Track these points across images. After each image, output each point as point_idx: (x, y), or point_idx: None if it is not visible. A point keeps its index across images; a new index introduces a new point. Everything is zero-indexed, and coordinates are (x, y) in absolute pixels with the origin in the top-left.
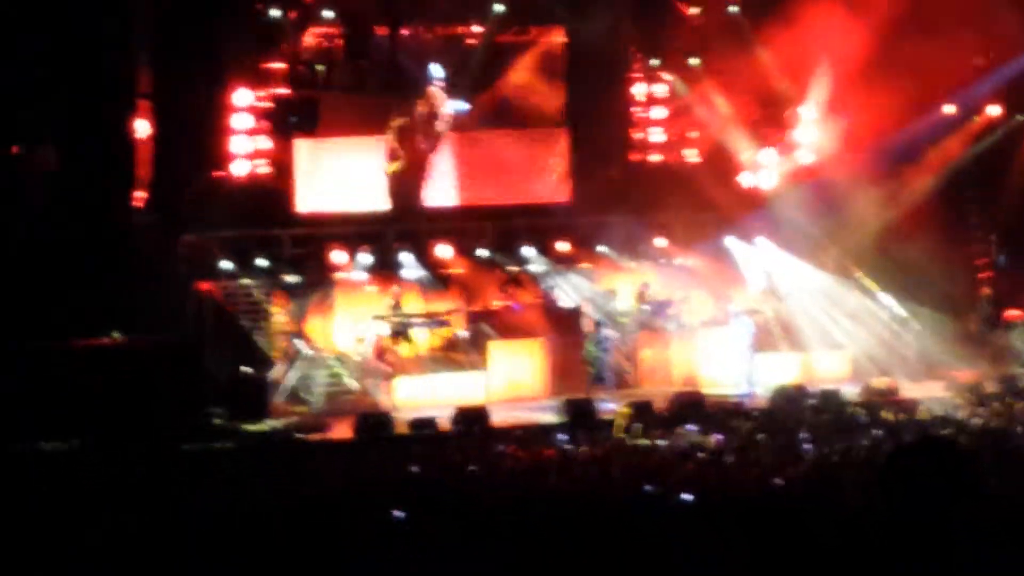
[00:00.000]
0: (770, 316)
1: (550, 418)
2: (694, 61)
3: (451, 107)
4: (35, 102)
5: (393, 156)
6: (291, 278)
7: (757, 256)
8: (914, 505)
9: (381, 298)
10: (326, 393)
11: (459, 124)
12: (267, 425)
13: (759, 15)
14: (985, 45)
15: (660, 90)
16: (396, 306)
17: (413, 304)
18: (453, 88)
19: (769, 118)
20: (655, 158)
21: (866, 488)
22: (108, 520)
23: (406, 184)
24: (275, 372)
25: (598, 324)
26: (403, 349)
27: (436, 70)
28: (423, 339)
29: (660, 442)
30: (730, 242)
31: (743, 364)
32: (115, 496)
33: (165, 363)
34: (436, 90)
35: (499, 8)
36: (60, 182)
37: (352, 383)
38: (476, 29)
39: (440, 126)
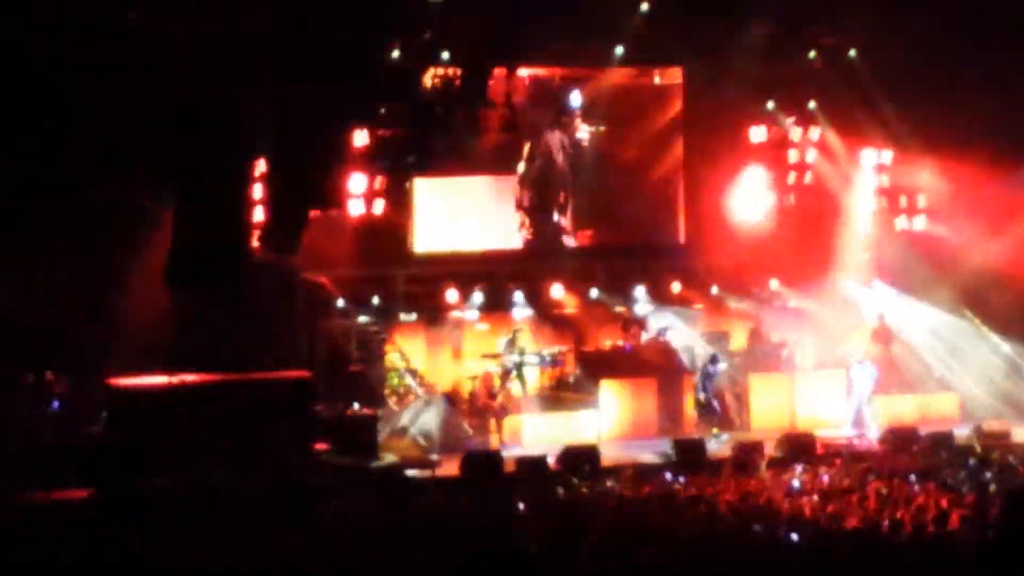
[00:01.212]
0: (881, 357)
1: (659, 457)
2: (812, 105)
3: (585, 130)
4: (154, 141)
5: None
6: (405, 316)
7: (871, 298)
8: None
9: (494, 337)
10: (437, 431)
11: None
12: (377, 462)
13: (878, 61)
14: None
15: (776, 133)
16: (510, 345)
17: (526, 343)
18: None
19: (881, 163)
20: (773, 201)
21: (977, 530)
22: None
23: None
24: (387, 410)
25: (713, 358)
26: (514, 388)
27: (575, 98)
28: (534, 378)
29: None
30: (844, 284)
31: (861, 408)
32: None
33: (279, 400)
34: (574, 117)
35: (620, 50)
36: (180, 223)
37: (463, 422)
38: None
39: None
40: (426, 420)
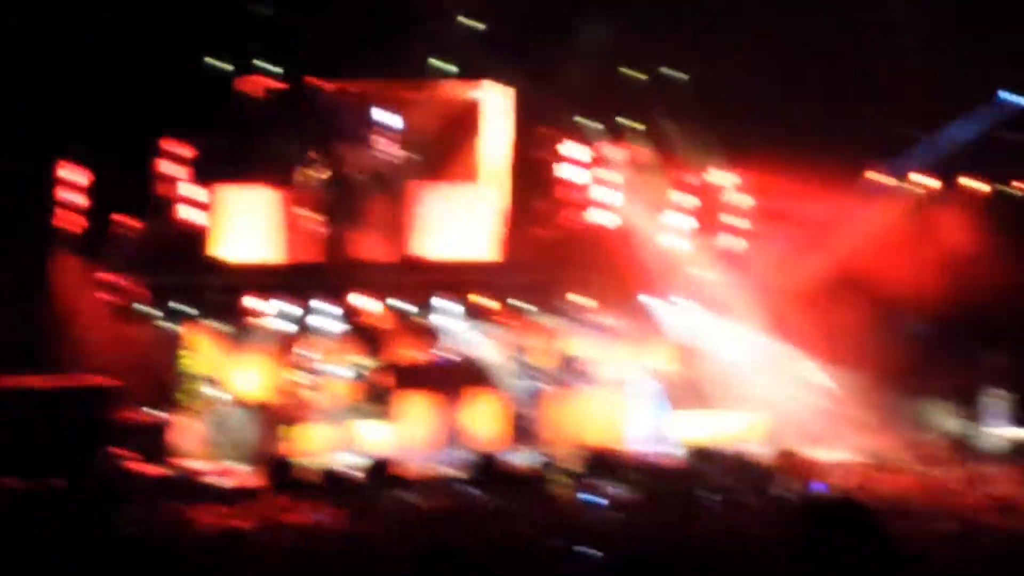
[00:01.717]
0: (686, 375)
1: (458, 470)
2: (629, 123)
3: (395, 156)
4: None
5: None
6: (207, 323)
7: (676, 315)
8: (825, 566)
9: (295, 346)
10: (235, 439)
11: (385, 177)
12: (171, 469)
13: (696, 83)
14: (914, 114)
15: (593, 152)
16: (309, 354)
17: (327, 353)
18: (391, 139)
19: (694, 183)
20: (585, 218)
21: (775, 548)
22: None
23: (339, 233)
24: (188, 418)
25: (524, 371)
26: (318, 398)
27: (387, 118)
28: (335, 388)
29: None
30: (649, 301)
31: (651, 422)
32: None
33: (71, 405)
34: (385, 138)
35: (443, 65)
36: None
37: (261, 430)
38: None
39: (386, 173)
40: (227, 427)
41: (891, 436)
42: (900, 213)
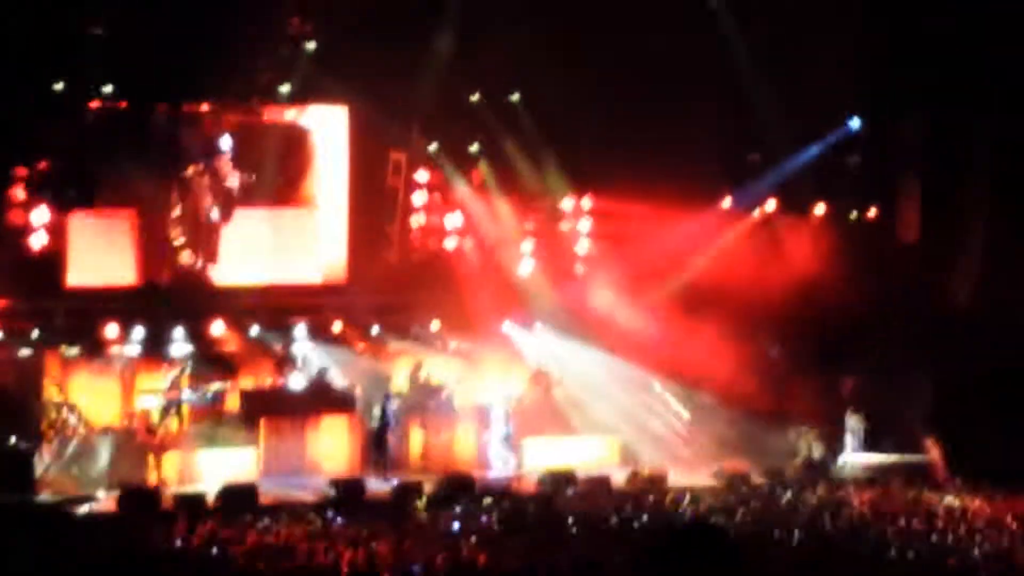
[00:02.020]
0: (542, 400)
1: (317, 496)
2: (473, 148)
3: (235, 179)
4: None
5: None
6: (64, 350)
7: (533, 341)
8: None
9: (154, 373)
10: (94, 467)
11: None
12: (34, 497)
13: (539, 106)
14: (761, 141)
15: (437, 176)
16: (175, 381)
17: (185, 380)
18: (237, 161)
19: (541, 208)
20: (433, 242)
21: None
22: None
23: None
24: (44, 445)
25: (386, 397)
26: (172, 424)
27: (225, 142)
28: (193, 415)
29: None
30: (507, 327)
31: (507, 447)
32: None
33: None
34: (224, 161)
35: (285, 88)
36: None
37: (119, 457)
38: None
39: (227, 197)
40: (84, 456)
41: (749, 460)
42: (748, 237)
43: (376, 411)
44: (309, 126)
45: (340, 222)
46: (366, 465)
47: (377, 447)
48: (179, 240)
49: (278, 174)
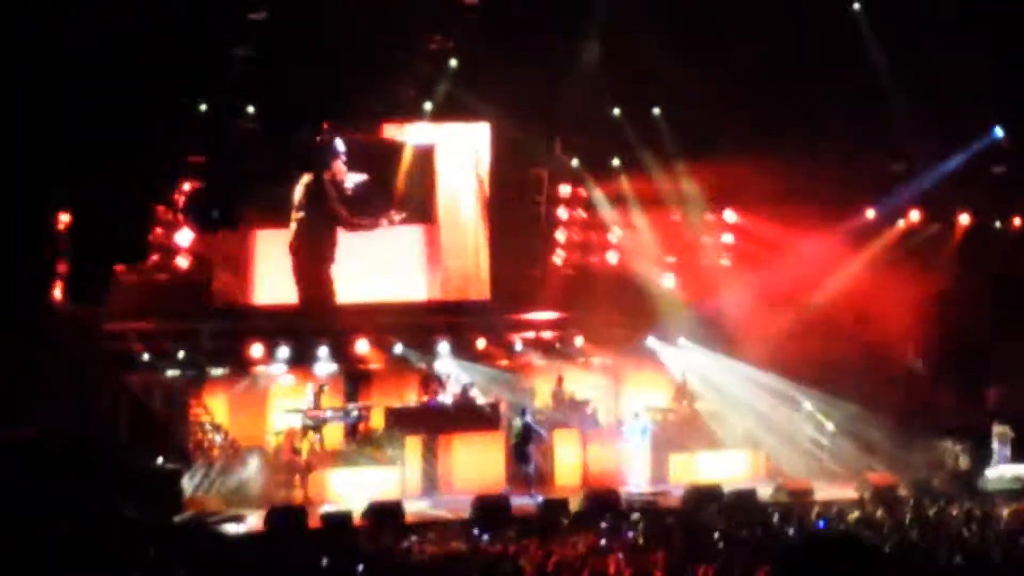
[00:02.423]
0: (685, 414)
1: (463, 514)
2: (615, 163)
3: (352, 180)
4: None
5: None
6: (210, 371)
7: (677, 356)
8: None
9: (299, 392)
10: (241, 486)
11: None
12: (182, 517)
13: (679, 120)
14: (904, 152)
15: (579, 191)
16: (316, 400)
17: (331, 399)
18: (353, 164)
19: (682, 223)
20: (576, 258)
21: None
22: None
23: (315, 272)
24: (191, 465)
25: (522, 412)
26: (318, 443)
27: (339, 144)
28: (339, 434)
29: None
30: (651, 342)
31: (641, 463)
32: None
33: (80, 454)
34: (339, 163)
35: (428, 106)
36: None
37: (266, 477)
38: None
39: (343, 200)
40: (233, 475)
41: (895, 473)
42: (892, 248)
43: (515, 424)
44: (433, 142)
45: (461, 238)
46: (511, 481)
47: (518, 462)
48: (321, 258)
49: (404, 191)
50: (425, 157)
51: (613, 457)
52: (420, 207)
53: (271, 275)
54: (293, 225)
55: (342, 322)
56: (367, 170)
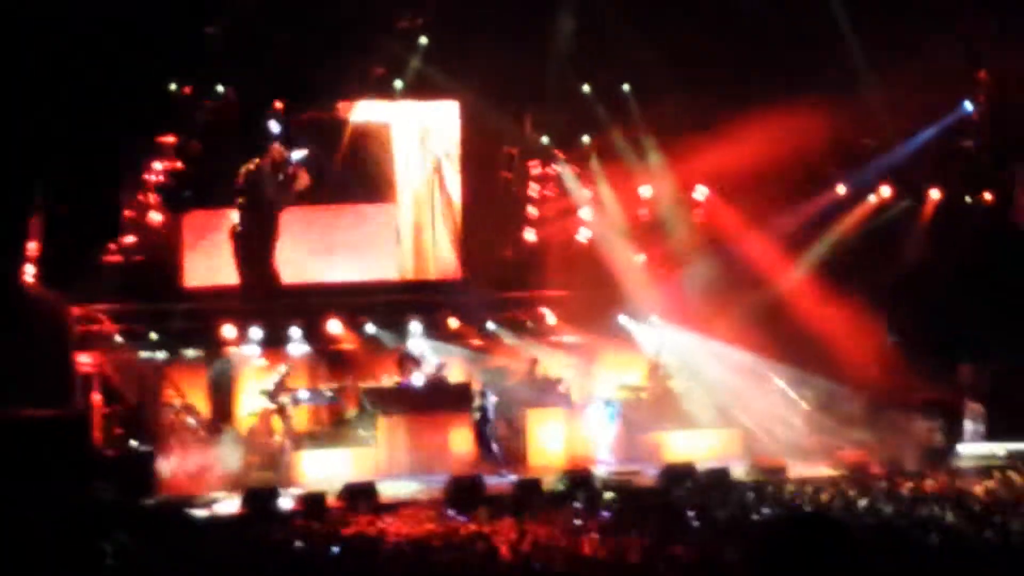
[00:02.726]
0: (659, 392)
1: (437, 494)
2: (585, 139)
3: (296, 155)
4: None
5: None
6: (182, 352)
7: (650, 334)
8: None
9: (271, 373)
10: (215, 468)
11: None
12: (155, 499)
13: (649, 95)
14: (875, 125)
15: (549, 169)
16: (280, 385)
17: (302, 379)
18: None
19: (651, 200)
20: (547, 236)
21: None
22: None
23: (256, 250)
24: (163, 447)
25: (482, 393)
26: (291, 424)
27: (273, 125)
28: (312, 415)
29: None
30: (623, 319)
31: (607, 441)
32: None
33: (52, 437)
34: (278, 144)
35: (399, 84)
36: None
37: (241, 458)
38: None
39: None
40: (207, 457)
41: (868, 450)
42: (863, 224)
43: (476, 404)
44: (388, 121)
45: (424, 217)
46: (486, 461)
47: (481, 443)
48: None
49: (359, 169)
50: (381, 135)
51: (588, 436)
52: (379, 186)
53: (204, 256)
54: (235, 211)
55: (313, 302)
56: (316, 149)
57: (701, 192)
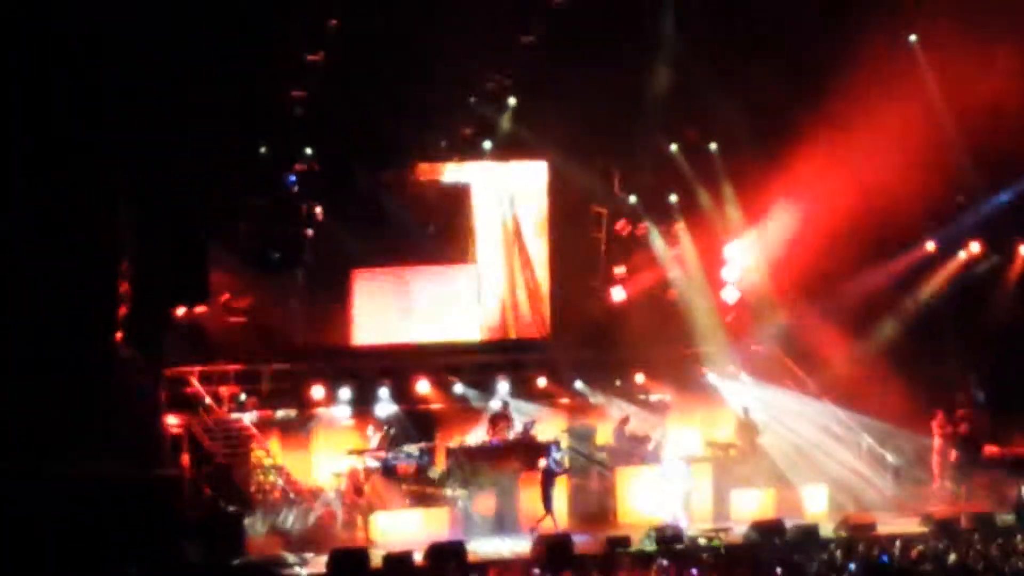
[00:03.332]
0: (747, 449)
1: (525, 553)
2: (673, 199)
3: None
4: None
5: None
6: (271, 413)
7: (736, 389)
8: None
9: (359, 432)
10: (304, 529)
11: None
12: (243, 560)
13: (737, 155)
14: (965, 182)
15: (638, 228)
16: (382, 442)
17: (389, 438)
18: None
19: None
20: (635, 295)
21: None
22: None
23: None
24: (253, 508)
25: (548, 449)
26: (380, 484)
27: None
28: (401, 474)
29: None
30: (711, 376)
31: (676, 500)
32: None
33: (142, 498)
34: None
35: (488, 145)
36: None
37: (329, 519)
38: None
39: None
40: (295, 518)
41: (960, 505)
42: (952, 281)
43: (579, 465)
44: (470, 181)
45: (538, 277)
46: (575, 520)
47: (583, 501)
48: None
49: (442, 231)
50: (460, 197)
51: (676, 493)
52: (460, 246)
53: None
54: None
55: (401, 363)
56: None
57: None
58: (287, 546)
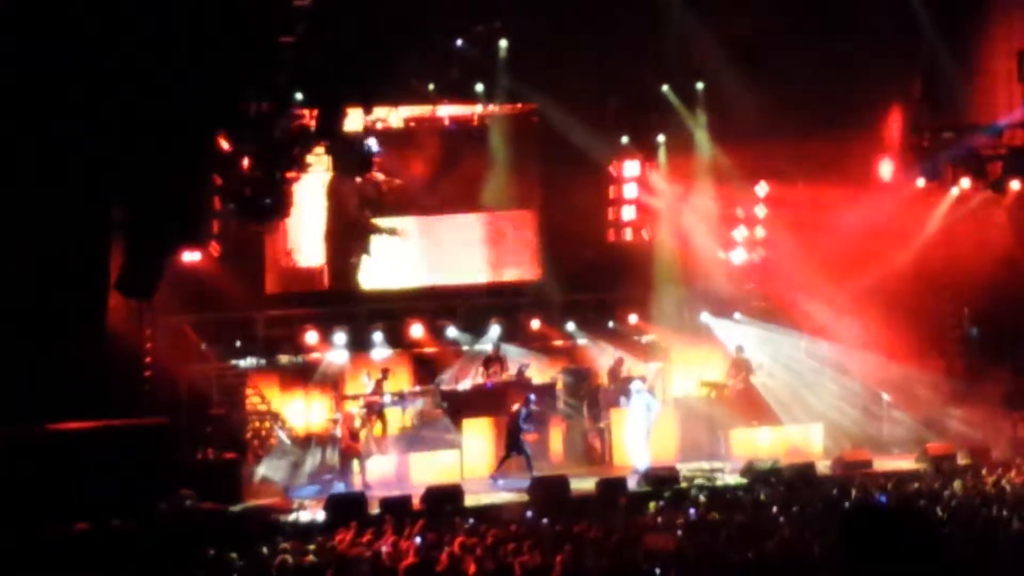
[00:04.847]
0: (741, 389)
1: (522, 496)
2: (661, 139)
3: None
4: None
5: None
6: (265, 360)
7: (732, 330)
8: (875, 569)
9: (353, 378)
10: (300, 474)
11: (423, 207)
12: (240, 507)
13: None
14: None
15: (632, 168)
16: (378, 386)
17: (387, 383)
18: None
19: (737, 194)
20: (627, 236)
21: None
22: None
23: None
24: (248, 455)
25: (527, 400)
26: (376, 429)
27: (373, 146)
28: (395, 418)
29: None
30: (705, 317)
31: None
32: None
33: (139, 446)
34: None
35: (480, 87)
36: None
37: (325, 464)
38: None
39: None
40: (289, 464)
41: (954, 440)
42: (944, 216)
43: (578, 408)
44: (476, 126)
45: (532, 221)
46: (571, 462)
47: (579, 444)
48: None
49: (455, 176)
50: (467, 141)
51: (671, 434)
52: (467, 191)
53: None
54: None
55: (396, 306)
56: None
57: (777, 191)
58: (284, 493)
